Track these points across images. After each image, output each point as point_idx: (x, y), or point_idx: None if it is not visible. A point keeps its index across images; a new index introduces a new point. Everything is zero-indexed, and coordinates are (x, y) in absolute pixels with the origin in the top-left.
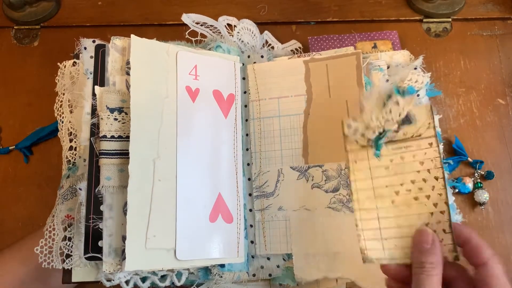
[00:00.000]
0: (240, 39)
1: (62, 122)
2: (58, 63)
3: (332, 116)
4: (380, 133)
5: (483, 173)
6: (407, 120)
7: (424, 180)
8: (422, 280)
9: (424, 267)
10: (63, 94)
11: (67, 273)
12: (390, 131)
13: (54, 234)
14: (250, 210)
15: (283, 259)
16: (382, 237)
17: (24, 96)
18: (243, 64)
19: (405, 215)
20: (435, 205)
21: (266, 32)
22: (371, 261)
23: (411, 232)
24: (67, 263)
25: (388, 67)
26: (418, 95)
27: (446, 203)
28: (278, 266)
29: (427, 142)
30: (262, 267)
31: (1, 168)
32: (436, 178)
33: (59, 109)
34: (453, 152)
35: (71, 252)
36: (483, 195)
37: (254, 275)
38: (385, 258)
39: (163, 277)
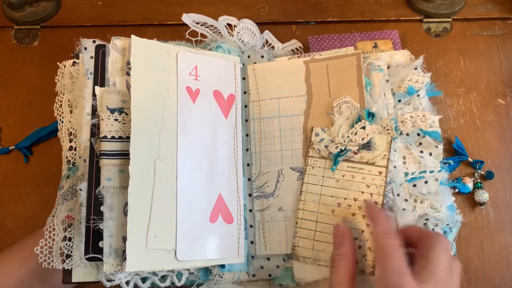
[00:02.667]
0: (240, 39)
1: (62, 122)
2: (58, 63)
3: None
4: (342, 151)
5: (483, 173)
6: (367, 146)
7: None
8: (331, 271)
9: (334, 259)
10: (63, 94)
11: (67, 273)
12: (350, 151)
13: (54, 234)
14: (250, 210)
15: (283, 259)
16: (315, 239)
17: (24, 96)
18: (243, 64)
19: None
20: (368, 225)
21: (266, 31)
22: (298, 258)
23: None
24: (67, 263)
25: (388, 67)
26: (418, 95)
27: None
28: (278, 267)
29: (377, 170)
30: (262, 267)
31: (1, 168)
32: (376, 203)
33: (59, 109)
34: (453, 152)
35: (71, 252)
36: (483, 195)
37: (254, 275)
38: (310, 258)
39: (163, 278)
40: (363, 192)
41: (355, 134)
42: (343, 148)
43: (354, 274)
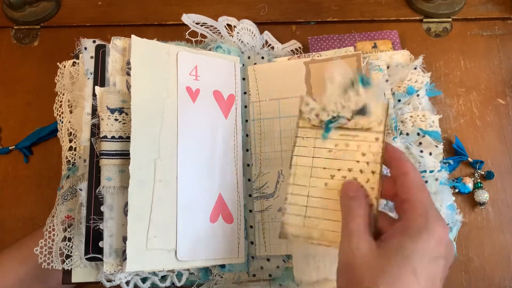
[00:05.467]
0: (240, 39)
1: (62, 123)
2: (58, 63)
3: None
4: (334, 117)
5: (483, 173)
6: (362, 111)
7: (361, 171)
8: (349, 218)
9: (351, 209)
10: (63, 94)
11: (67, 273)
12: (343, 117)
13: (54, 235)
14: (250, 211)
15: (283, 260)
16: (306, 215)
17: (24, 96)
18: (243, 65)
19: (334, 199)
20: (365, 196)
21: (266, 32)
22: (286, 236)
23: (334, 216)
24: (67, 264)
25: (387, 67)
26: (418, 95)
27: (377, 198)
28: (278, 267)
29: (374, 137)
30: (261, 267)
31: (1, 168)
32: (373, 172)
33: (59, 109)
34: (453, 152)
35: (71, 252)
36: (483, 195)
37: (254, 275)
38: (302, 236)
39: (163, 278)
40: (358, 162)
41: (349, 99)
42: (335, 115)
43: (368, 221)
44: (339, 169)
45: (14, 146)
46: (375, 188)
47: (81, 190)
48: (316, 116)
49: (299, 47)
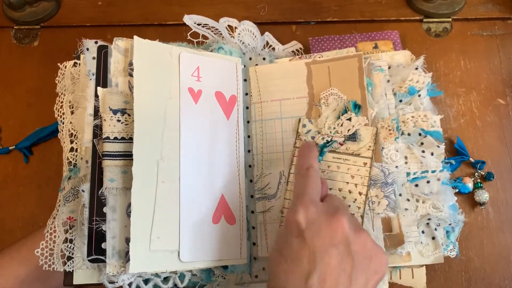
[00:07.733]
0: (241, 40)
1: (63, 123)
2: (59, 64)
3: None
4: (327, 142)
5: (483, 173)
6: (352, 137)
7: (350, 192)
8: (300, 181)
9: (305, 169)
10: (64, 95)
11: (68, 275)
12: (336, 142)
13: (55, 236)
14: (252, 212)
15: None
16: None
17: (24, 96)
18: (244, 66)
19: None
20: (352, 215)
21: (266, 33)
22: None
23: None
24: (68, 265)
25: (389, 68)
26: (419, 95)
27: (362, 216)
28: None
29: (362, 161)
30: (264, 268)
31: (1, 168)
32: (360, 194)
33: (60, 110)
34: (453, 152)
35: (72, 254)
36: (483, 195)
37: (256, 276)
38: None
39: (166, 279)
40: (348, 183)
41: (341, 125)
42: (329, 139)
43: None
44: (330, 188)
45: (14, 146)
46: (361, 208)
47: (83, 191)
48: (311, 138)
49: (300, 48)
